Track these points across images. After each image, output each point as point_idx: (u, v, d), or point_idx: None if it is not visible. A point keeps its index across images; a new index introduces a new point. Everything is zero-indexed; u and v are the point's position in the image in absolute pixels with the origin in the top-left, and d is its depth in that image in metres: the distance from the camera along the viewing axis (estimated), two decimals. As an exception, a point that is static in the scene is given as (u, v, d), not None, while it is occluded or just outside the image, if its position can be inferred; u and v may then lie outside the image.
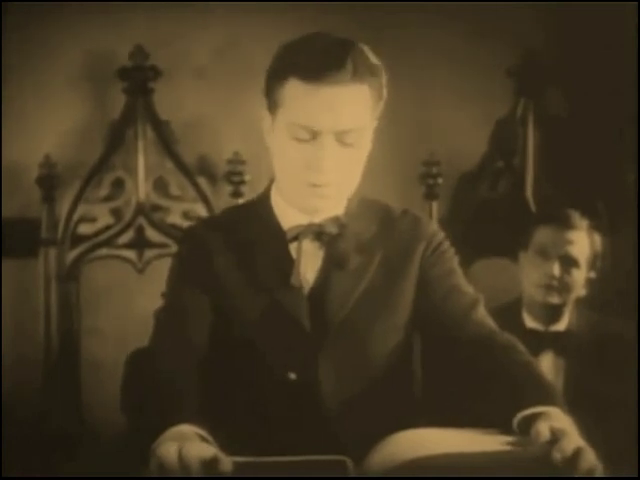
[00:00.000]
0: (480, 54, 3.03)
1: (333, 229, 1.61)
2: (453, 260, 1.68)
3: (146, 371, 1.57)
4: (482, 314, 1.63)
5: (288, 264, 1.60)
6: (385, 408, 1.61)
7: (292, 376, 1.58)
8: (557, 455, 1.28)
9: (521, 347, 1.56)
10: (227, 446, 1.35)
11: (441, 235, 1.68)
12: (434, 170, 2.98)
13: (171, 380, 1.50)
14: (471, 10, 2.96)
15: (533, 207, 3.09)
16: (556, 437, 1.31)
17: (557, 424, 1.34)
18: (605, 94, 3.01)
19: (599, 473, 1.31)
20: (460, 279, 1.67)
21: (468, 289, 1.66)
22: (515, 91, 3.09)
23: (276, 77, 1.55)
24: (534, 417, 1.39)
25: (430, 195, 2.98)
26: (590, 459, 1.30)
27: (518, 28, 3.01)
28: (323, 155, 1.51)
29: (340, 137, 1.52)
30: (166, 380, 1.50)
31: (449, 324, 1.61)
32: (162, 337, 1.61)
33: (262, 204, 1.67)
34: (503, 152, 3.11)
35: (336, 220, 1.61)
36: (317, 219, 1.61)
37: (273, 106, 1.56)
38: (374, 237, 1.64)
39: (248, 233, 1.64)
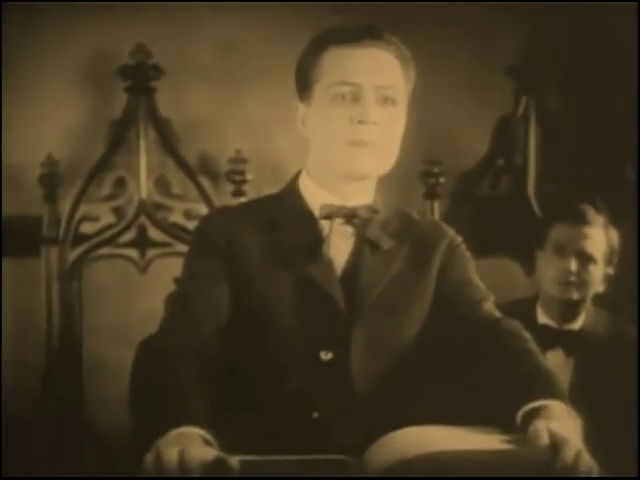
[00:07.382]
0: (481, 53, 3.04)
1: (365, 213, 1.65)
2: (471, 261, 1.75)
3: (151, 365, 1.53)
4: (491, 307, 1.69)
5: (318, 241, 1.62)
6: (408, 395, 1.62)
7: (328, 355, 1.58)
8: (559, 465, 1.31)
9: (525, 334, 1.60)
10: (233, 444, 1.35)
11: (460, 239, 1.76)
12: (435, 169, 2.98)
13: (177, 377, 1.47)
14: (471, 9, 2.96)
15: (535, 205, 3.09)
16: (556, 445, 1.33)
17: (555, 427, 1.36)
18: (605, 92, 3.02)
19: (595, 474, 1.33)
20: (475, 277, 1.73)
21: (482, 286, 1.72)
22: (516, 89, 3.09)
23: (312, 55, 1.63)
24: (535, 412, 1.41)
25: (431, 194, 2.99)
26: (587, 461, 1.33)
27: (519, 27, 3.01)
28: (366, 109, 1.58)
29: (380, 93, 1.59)
30: (171, 376, 1.47)
31: (459, 310, 1.66)
32: (171, 327, 1.58)
33: (289, 192, 1.70)
34: (504, 150, 3.12)
35: (368, 206, 1.65)
36: (350, 203, 1.65)
37: (308, 88, 1.63)
38: (399, 229, 1.69)
39: (273, 215, 1.66)
